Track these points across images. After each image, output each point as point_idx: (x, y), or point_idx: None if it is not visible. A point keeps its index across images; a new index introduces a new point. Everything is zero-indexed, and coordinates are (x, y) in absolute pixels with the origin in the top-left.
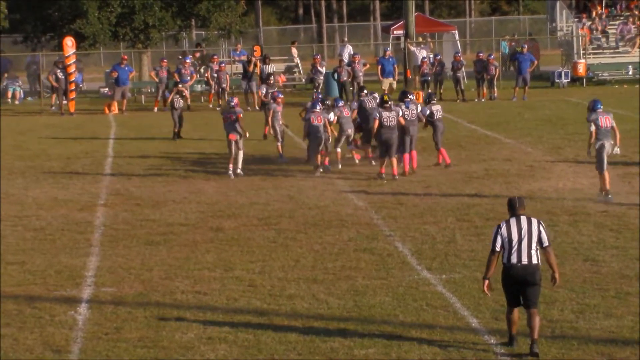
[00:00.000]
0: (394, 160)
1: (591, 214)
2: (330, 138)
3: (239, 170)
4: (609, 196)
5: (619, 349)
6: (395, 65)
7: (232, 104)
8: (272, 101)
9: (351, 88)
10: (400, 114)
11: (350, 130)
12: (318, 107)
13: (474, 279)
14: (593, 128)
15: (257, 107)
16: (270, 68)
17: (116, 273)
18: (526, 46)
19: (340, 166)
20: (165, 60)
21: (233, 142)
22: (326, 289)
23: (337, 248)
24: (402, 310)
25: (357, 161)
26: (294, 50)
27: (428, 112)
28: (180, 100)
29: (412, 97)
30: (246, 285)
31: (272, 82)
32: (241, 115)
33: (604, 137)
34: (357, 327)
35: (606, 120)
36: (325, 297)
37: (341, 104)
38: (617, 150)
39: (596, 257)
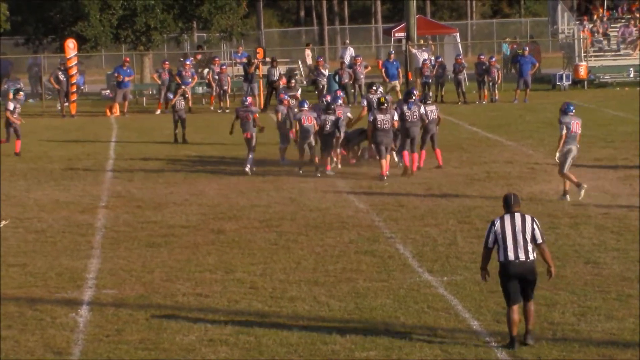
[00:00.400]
0: (386, 159)
1: (592, 216)
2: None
3: (247, 169)
4: (566, 196)
5: (620, 352)
6: (400, 69)
7: (247, 103)
8: (278, 103)
9: (352, 90)
10: (396, 117)
11: (339, 134)
12: (306, 105)
13: (475, 281)
14: (565, 131)
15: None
16: (277, 71)
17: (117, 275)
18: (527, 49)
19: (339, 166)
20: (167, 63)
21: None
22: (327, 291)
23: (338, 250)
24: (403, 313)
25: (337, 164)
26: (308, 52)
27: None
28: (182, 102)
29: (416, 98)
30: (247, 288)
31: (293, 84)
32: (257, 115)
33: (572, 142)
34: (358, 329)
35: (576, 126)
36: (326, 299)
37: (339, 102)
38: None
39: (597, 259)
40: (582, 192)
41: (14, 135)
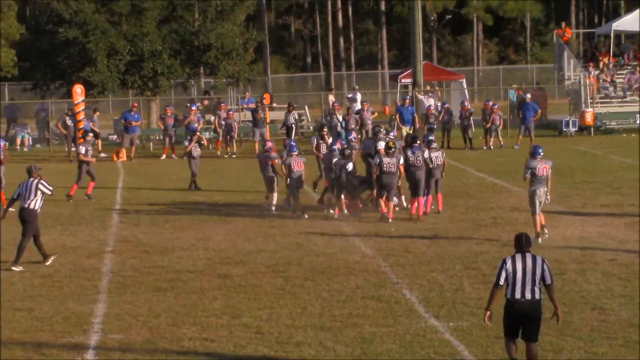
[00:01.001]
0: (391, 204)
1: (599, 263)
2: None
3: (273, 209)
4: (539, 239)
5: None
6: (415, 114)
7: (266, 148)
8: (284, 149)
9: (359, 136)
10: (402, 161)
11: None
12: (296, 150)
13: (481, 327)
14: (528, 176)
15: None
16: (292, 116)
17: (123, 320)
18: (529, 95)
19: (345, 211)
20: (168, 108)
21: (270, 182)
22: (333, 336)
23: (345, 295)
24: (410, 358)
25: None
26: (331, 97)
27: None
28: (198, 149)
29: (421, 143)
30: (253, 333)
31: (324, 132)
32: (276, 161)
33: (538, 184)
34: None
35: (543, 170)
36: (332, 344)
37: (336, 146)
38: (548, 199)
39: (604, 305)
40: (539, 240)
41: (88, 176)
